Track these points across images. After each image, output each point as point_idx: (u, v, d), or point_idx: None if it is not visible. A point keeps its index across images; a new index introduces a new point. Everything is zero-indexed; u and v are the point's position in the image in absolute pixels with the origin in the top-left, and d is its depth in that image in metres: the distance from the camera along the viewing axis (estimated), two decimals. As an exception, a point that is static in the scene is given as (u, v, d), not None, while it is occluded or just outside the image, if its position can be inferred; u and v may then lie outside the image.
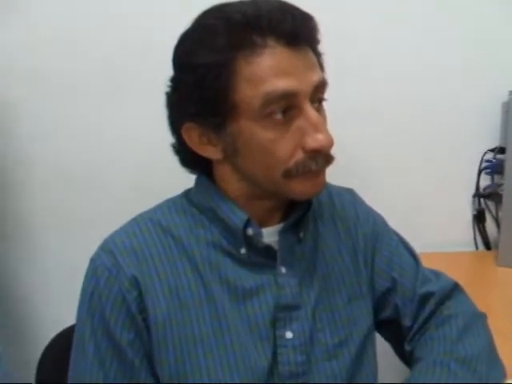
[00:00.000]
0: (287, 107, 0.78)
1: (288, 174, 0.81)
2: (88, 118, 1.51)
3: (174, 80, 0.84)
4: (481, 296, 1.29)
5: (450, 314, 0.99)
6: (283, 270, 0.89)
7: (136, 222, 0.90)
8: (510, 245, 1.41)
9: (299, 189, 0.83)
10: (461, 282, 1.35)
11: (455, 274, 1.40)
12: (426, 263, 1.44)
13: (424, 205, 1.56)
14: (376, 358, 0.99)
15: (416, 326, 1.00)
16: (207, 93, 0.78)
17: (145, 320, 0.84)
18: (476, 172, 1.51)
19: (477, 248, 1.58)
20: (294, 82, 0.77)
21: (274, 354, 0.86)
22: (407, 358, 1.00)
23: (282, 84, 0.76)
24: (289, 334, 0.87)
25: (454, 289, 1.06)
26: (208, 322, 0.84)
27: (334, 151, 0.82)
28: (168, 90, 0.85)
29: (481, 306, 1.25)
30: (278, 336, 0.87)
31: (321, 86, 0.80)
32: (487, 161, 1.48)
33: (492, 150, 1.48)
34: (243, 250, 0.87)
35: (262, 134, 0.78)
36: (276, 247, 0.89)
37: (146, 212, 0.92)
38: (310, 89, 0.78)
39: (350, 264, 0.98)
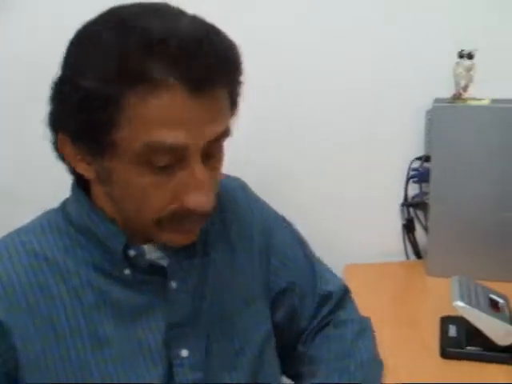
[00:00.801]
0: (172, 159, 0.70)
1: (159, 223, 0.75)
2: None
3: (60, 81, 0.72)
4: (409, 306, 1.29)
5: (347, 317, 1.01)
6: (174, 285, 0.83)
7: (4, 244, 0.81)
8: (438, 254, 1.41)
9: (169, 238, 0.78)
10: (391, 293, 1.35)
11: (386, 284, 1.40)
12: (355, 274, 1.43)
13: (353, 215, 1.54)
14: (277, 362, 0.96)
15: (312, 326, 0.99)
16: (88, 120, 0.68)
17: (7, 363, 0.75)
18: (404, 181, 1.49)
19: (407, 257, 1.57)
20: (186, 135, 0.68)
21: (170, 376, 0.81)
22: (295, 363, 0.99)
23: (170, 137, 0.67)
24: (184, 352, 0.82)
25: (347, 291, 1.06)
26: (89, 351, 0.78)
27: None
28: (54, 85, 0.73)
29: (407, 316, 1.24)
30: (173, 356, 0.82)
31: (221, 137, 0.72)
32: (414, 169, 1.47)
33: (419, 159, 1.46)
34: (127, 271, 0.80)
35: (139, 179, 0.70)
36: (164, 262, 0.83)
37: (16, 231, 0.83)
38: (205, 143, 0.70)
39: (245, 266, 0.94)
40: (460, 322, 1.14)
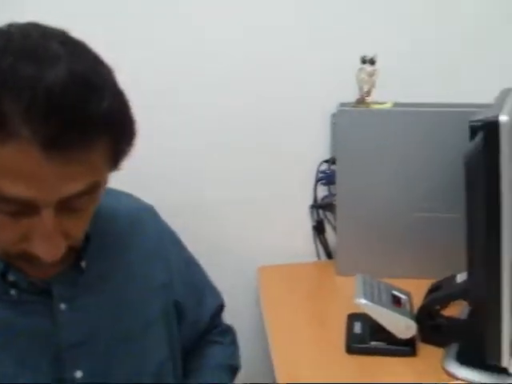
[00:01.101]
0: (21, 207, 0.65)
1: (9, 256, 0.74)
2: None
3: None
4: (319, 305, 1.32)
5: (224, 329, 1.14)
6: (63, 306, 0.82)
7: None
8: (346, 254, 1.44)
9: (23, 266, 0.77)
10: (302, 293, 1.38)
11: (297, 285, 1.43)
12: (268, 276, 1.46)
13: (264, 218, 1.56)
14: (178, 379, 1.00)
15: (194, 345, 1.09)
16: None
17: None
18: (313, 183, 1.53)
19: (319, 258, 1.60)
20: (32, 190, 0.63)
21: None
22: None
23: (13, 190, 0.63)
24: (78, 374, 0.82)
25: (223, 305, 1.16)
26: None
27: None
28: None
29: (317, 315, 1.28)
30: (67, 378, 0.81)
31: (83, 194, 0.67)
32: (322, 172, 1.50)
33: (327, 161, 1.50)
34: (13, 291, 0.79)
35: None
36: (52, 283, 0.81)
37: None
38: (57, 199, 0.66)
39: (145, 289, 0.95)
40: (365, 318, 1.17)
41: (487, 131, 0.85)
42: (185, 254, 1.11)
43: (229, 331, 1.18)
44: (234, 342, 1.18)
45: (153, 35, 1.39)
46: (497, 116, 0.84)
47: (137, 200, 1.03)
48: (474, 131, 0.89)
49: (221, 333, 1.15)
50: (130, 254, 0.95)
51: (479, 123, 0.86)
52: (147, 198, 1.07)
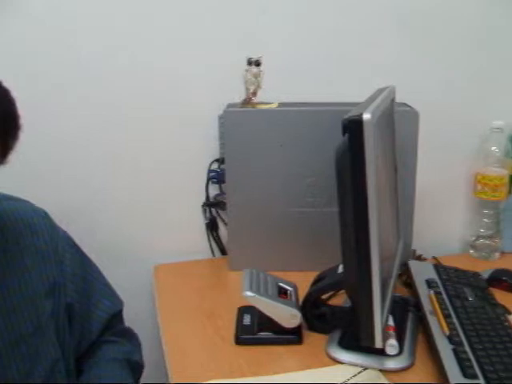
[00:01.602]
0: None
1: None
2: None
3: None
4: (212, 300, 1.36)
5: (119, 330, 1.18)
6: None
7: None
8: (238, 250, 1.49)
9: None
10: (197, 290, 1.42)
11: (192, 282, 1.46)
12: (163, 274, 1.49)
13: (158, 217, 1.59)
14: (72, 379, 1.03)
15: (89, 346, 1.12)
16: None
17: None
18: (205, 182, 1.57)
19: (213, 255, 1.64)
20: None
21: None
22: None
23: None
24: None
25: (120, 309, 1.20)
26: None
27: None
28: None
29: (210, 310, 1.31)
30: None
31: None
32: (213, 171, 1.55)
33: (217, 160, 1.54)
34: None
35: None
36: None
37: None
38: None
39: (38, 292, 0.98)
40: (253, 310, 1.22)
41: (352, 129, 0.90)
42: (80, 258, 1.13)
43: (126, 332, 1.21)
44: (132, 342, 1.21)
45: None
46: (361, 114, 0.90)
47: (31, 205, 1.05)
48: (344, 129, 0.94)
49: (116, 334, 1.19)
50: (24, 258, 0.96)
51: (345, 121, 0.91)
52: (38, 201, 1.08)
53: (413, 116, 1.42)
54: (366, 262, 0.96)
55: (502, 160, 1.71)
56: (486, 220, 1.76)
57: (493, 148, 1.70)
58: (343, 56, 1.59)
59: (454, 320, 1.19)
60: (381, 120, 1.06)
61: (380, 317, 1.00)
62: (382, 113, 1.09)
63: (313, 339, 1.21)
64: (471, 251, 1.79)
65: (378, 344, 1.02)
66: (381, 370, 1.10)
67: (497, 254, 1.76)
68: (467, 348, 1.09)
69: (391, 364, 1.10)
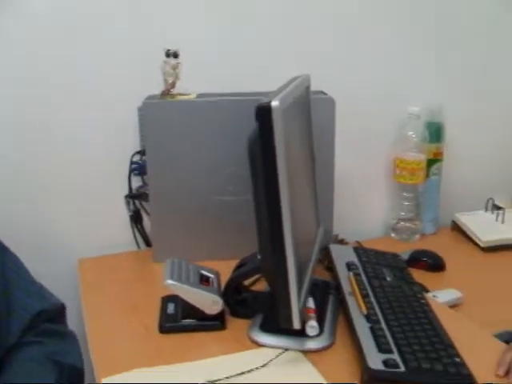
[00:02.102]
0: None
1: None
2: None
3: None
4: (137, 292, 1.37)
5: (44, 330, 1.15)
6: None
7: None
8: (162, 241, 1.50)
9: None
10: (121, 282, 1.42)
11: (117, 274, 1.46)
12: (88, 268, 1.48)
13: (82, 210, 1.59)
14: None
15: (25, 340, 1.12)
16: None
17: None
18: (127, 174, 1.57)
19: (138, 247, 1.65)
20: None
21: None
22: None
23: None
24: None
25: (63, 307, 1.21)
26: None
27: None
28: None
29: (134, 302, 1.32)
30: None
31: None
32: (135, 163, 1.55)
33: (139, 152, 1.54)
34: None
35: None
36: None
37: None
38: None
39: None
40: (177, 299, 1.23)
41: (261, 116, 0.93)
42: (4, 257, 1.11)
43: (56, 333, 1.19)
44: (64, 343, 1.19)
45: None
46: (269, 101, 0.92)
47: None
48: (255, 116, 0.96)
49: (41, 334, 1.16)
50: None
51: (256, 109, 0.93)
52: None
53: (329, 103, 1.45)
54: (280, 247, 0.99)
55: (419, 145, 1.77)
56: (405, 203, 1.81)
57: (410, 133, 1.76)
58: (261, 46, 1.61)
59: (372, 299, 1.23)
60: (293, 107, 1.08)
61: (297, 299, 1.02)
62: (294, 100, 1.11)
63: (236, 324, 1.23)
64: (393, 234, 1.85)
65: (296, 325, 1.04)
66: (302, 351, 1.12)
67: (417, 236, 1.83)
68: (383, 325, 1.13)
69: (311, 344, 1.13)
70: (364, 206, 1.86)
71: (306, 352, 1.13)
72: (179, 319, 1.23)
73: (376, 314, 1.17)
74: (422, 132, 1.78)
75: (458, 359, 1.06)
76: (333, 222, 1.55)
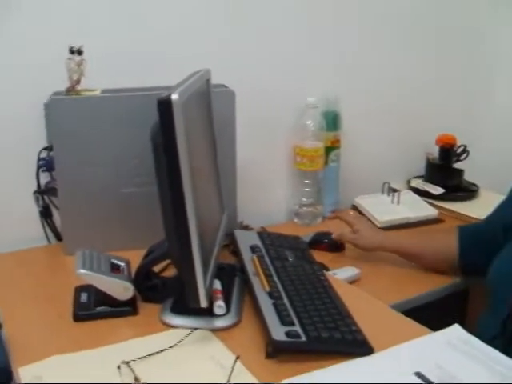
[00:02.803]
0: None
1: None
2: None
3: None
4: (49, 286, 1.40)
5: None
6: None
7: None
8: (72, 234, 1.54)
9: None
10: (34, 277, 1.44)
11: (29, 270, 1.48)
12: (1, 264, 1.49)
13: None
14: None
15: None
16: None
17: None
18: (35, 170, 1.59)
19: (49, 242, 1.67)
20: None
21: None
22: None
23: None
24: None
25: None
26: None
27: None
28: None
29: (47, 295, 1.35)
30: None
31: None
32: (43, 159, 1.57)
33: (46, 149, 1.57)
34: None
35: None
36: None
37: None
38: None
39: None
40: (90, 288, 1.28)
41: (162, 108, 0.99)
42: None
43: None
44: None
45: None
46: (169, 95, 0.99)
47: None
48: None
49: None
50: None
51: (157, 102, 1.00)
52: None
53: (229, 95, 1.53)
54: (185, 233, 1.05)
55: (317, 133, 1.87)
56: (306, 189, 1.92)
57: (308, 122, 1.86)
58: (165, 42, 1.67)
59: (275, 278, 1.31)
60: (193, 100, 1.15)
61: (202, 281, 1.09)
62: (194, 93, 1.18)
63: (148, 309, 1.29)
64: (296, 219, 1.95)
65: (204, 304, 1.11)
66: (211, 330, 1.20)
67: (319, 220, 1.94)
68: (286, 301, 1.22)
69: (219, 323, 1.21)
70: (267, 193, 1.95)
71: (214, 330, 1.20)
72: (92, 307, 1.27)
73: (278, 291, 1.25)
74: (319, 121, 1.88)
75: (354, 327, 1.17)
76: (237, 209, 1.63)
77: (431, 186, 2.17)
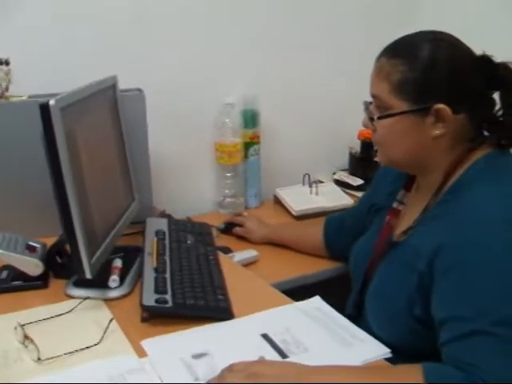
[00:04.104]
0: None
1: None
2: None
3: None
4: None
5: None
6: None
7: None
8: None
9: None
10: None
11: None
12: None
13: None
14: None
15: None
16: None
17: None
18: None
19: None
20: None
21: None
22: None
23: None
24: None
25: None
26: None
27: None
28: None
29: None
30: None
31: None
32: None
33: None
34: None
35: None
36: None
37: None
38: None
39: None
40: (10, 267, 1.50)
41: (42, 113, 1.19)
42: None
43: None
44: None
45: None
46: (47, 101, 1.19)
47: None
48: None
49: None
50: None
51: (39, 107, 1.20)
52: None
53: (140, 98, 1.74)
54: (69, 218, 1.25)
55: (236, 130, 2.08)
56: (228, 182, 2.13)
57: (227, 120, 2.06)
58: (91, 48, 1.87)
59: (166, 257, 1.52)
60: (84, 104, 1.36)
61: (86, 256, 1.29)
62: (88, 97, 1.39)
63: (58, 284, 1.50)
64: (220, 210, 2.15)
65: (88, 275, 1.31)
66: (104, 300, 1.41)
67: (241, 210, 2.14)
68: (168, 275, 1.43)
69: (111, 294, 1.42)
70: (194, 185, 2.16)
71: (107, 300, 1.42)
72: (9, 282, 1.49)
73: (164, 267, 1.46)
74: (237, 119, 2.09)
75: (221, 297, 1.38)
76: (152, 199, 1.84)
77: (352, 177, 2.35)
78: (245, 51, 2.13)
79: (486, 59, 1.25)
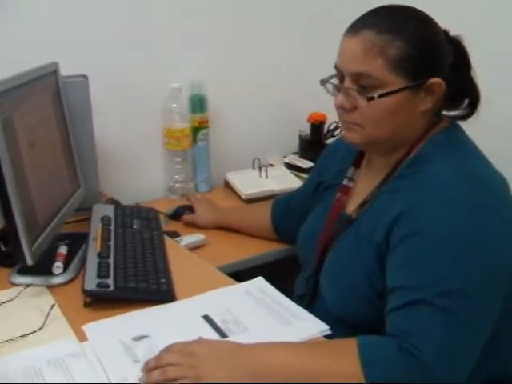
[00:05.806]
0: None
1: None
2: None
3: None
4: None
5: None
6: None
7: None
8: None
9: None
10: None
11: None
12: None
13: None
14: None
15: None
16: None
17: None
18: None
19: None
20: None
21: None
22: None
23: None
24: None
25: None
26: None
27: None
28: None
29: None
30: None
31: None
32: None
33: None
34: None
35: None
36: None
37: None
38: None
39: None
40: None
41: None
42: None
43: None
44: None
45: None
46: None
47: None
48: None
49: None
50: None
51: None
52: None
53: (83, 84, 1.74)
54: (8, 207, 1.26)
55: (183, 115, 2.08)
56: (177, 167, 2.14)
57: (174, 106, 2.07)
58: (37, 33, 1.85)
59: (110, 243, 1.53)
60: (18, 92, 1.35)
61: (26, 244, 1.29)
62: (25, 84, 1.38)
63: (2, 272, 1.50)
64: (170, 195, 2.16)
65: (29, 262, 1.31)
66: (48, 286, 1.42)
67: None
68: (111, 260, 1.44)
69: (54, 280, 1.43)
70: (143, 172, 2.16)
71: (51, 287, 1.42)
72: None
73: (108, 252, 1.47)
74: (185, 104, 2.10)
75: (163, 280, 1.39)
76: (99, 185, 1.85)
77: (302, 160, 2.38)
78: (192, 36, 2.13)
79: (447, 32, 1.29)
